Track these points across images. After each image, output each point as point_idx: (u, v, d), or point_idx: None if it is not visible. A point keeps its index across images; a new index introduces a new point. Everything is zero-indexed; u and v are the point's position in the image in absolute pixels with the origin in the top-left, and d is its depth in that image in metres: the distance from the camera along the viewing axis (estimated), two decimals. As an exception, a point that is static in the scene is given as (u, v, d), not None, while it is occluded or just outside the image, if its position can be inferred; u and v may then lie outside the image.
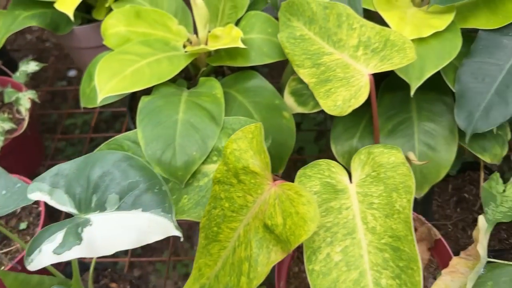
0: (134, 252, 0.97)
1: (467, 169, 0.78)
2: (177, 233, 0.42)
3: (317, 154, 1.14)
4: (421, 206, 0.79)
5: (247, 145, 0.49)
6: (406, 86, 0.62)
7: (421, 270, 0.42)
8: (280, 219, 0.46)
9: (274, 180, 0.50)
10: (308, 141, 1.21)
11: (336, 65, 0.59)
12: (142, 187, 0.43)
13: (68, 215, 0.45)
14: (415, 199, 0.71)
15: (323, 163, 0.51)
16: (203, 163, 0.61)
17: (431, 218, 0.73)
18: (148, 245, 0.98)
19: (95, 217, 0.44)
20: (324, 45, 0.61)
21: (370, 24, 0.60)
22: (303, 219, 0.43)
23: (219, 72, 0.86)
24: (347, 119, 0.75)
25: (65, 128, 1.18)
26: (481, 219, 0.56)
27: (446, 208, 0.75)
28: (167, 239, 0.97)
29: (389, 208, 0.46)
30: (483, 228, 0.56)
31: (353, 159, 0.52)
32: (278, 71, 1.21)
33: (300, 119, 1.21)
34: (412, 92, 0.61)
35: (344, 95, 0.56)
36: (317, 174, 0.50)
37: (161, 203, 0.42)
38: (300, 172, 0.51)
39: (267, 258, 0.48)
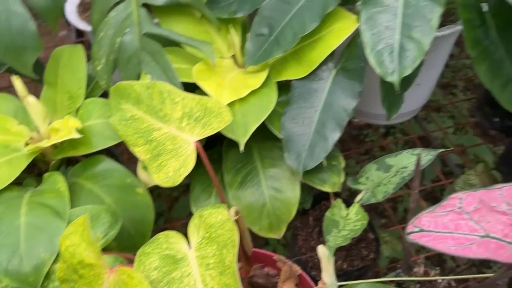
0: None
1: (322, 199, 0.85)
2: None
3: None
4: (289, 244, 0.85)
5: (79, 239, 0.50)
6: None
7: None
8: (122, 304, 0.47)
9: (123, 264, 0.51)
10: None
11: (165, 138, 0.63)
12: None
13: None
14: (280, 240, 0.76)
15: (161, 236, 0.54)
16: (55, 261, 0.60)
17: (298, 253, 0.78)
18: None
19: None
20: (153, 121, 0.65)
21: (190, 95, 0.65)
22: (139, 300, 0.45)
23: (72, 161, 0.85)
24: (203, 180, 0.79)
25: None
26: (320, 249, 0.61)
27: (310, 240, 0.81)
28: None
29: (221, 265, 0.49)
30: (324, 256, 0.61)
31: (188, 225, 0.55)
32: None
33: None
34: (241, 148, 0.66)
35: (174, 165, 0.59)
36: (156, 249, 0.52)
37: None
38: (139, 251, 0.52)
39: None
